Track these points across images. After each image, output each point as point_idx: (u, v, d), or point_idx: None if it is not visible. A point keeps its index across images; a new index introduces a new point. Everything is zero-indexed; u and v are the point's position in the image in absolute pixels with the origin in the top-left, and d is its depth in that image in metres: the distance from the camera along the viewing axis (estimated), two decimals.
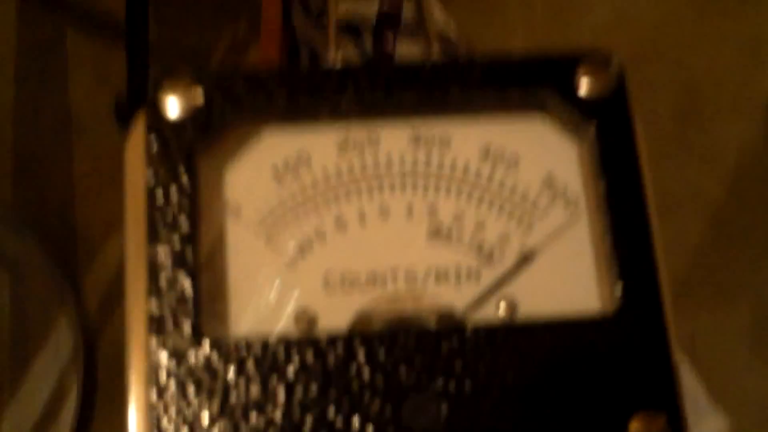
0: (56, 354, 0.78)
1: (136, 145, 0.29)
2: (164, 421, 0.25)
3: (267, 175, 0.30)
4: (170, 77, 0.29)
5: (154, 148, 0.28)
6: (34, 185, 0.80)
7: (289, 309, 0.28)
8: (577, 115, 0.29)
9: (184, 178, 0.28)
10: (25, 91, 0.82)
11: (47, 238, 0.77)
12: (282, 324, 0.28)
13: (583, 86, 0.29)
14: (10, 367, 0.76)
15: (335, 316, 0.28)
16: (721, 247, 0.85)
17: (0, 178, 0.79)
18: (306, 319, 0.28)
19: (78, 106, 0.82)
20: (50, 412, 0.76)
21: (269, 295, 0.28)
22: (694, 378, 0.76)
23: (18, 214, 0.77)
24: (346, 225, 0.29)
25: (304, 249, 0.29)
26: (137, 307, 0.27)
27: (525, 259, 0.29)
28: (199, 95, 0.29)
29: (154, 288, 0.27)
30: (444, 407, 0.26)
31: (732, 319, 0.83)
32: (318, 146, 0.30)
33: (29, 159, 0.81)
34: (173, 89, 0.29)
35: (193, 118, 0.29)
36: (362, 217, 0.29)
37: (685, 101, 0.89)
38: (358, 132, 0.30)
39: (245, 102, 0.29)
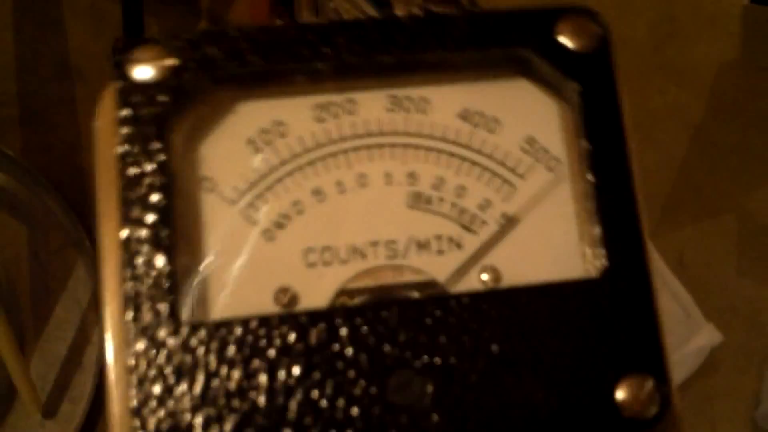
0: (76, 302, 0.79)
1: (106, 118, 0.28)
2: (145, 411, 0.25)
3: (242, 145, 0.29)
4: (138, 48, 0.28)
5: (125, 120, 0.27)
6: (40, 133, 0.80)
7: (269, 287, 0.28)
8: (559, 74, 0.28)
9: (158, 151, 0.27)
10: (24, 40, 0.81)
11: (57, 185, 0.78)
12: (262, 303, 0.27)
13: (565, 43, 0.28)
14: (31, 318, 0.77)
15: (316, 293, 0.28)
16: (704, 162, 0.86)
17: (7, 127, 0.79)
18: (287, 297, 0.27)
19: (77, 54, 0.81)
20: (74, 360, 0.77)
21: (248, 273, 0.28)
22: (686, 292, 0.77)
23: (27, 162, 0.77)
24: (324, 196, 0.28)
25: (282, 224, 0.28)
26: (112, 290, 0.27)
27: (507, 225, 0.28)
28: (170, 64, 0.28)
29: (128, 270, 0.26)
30: (430, 380, 0.26)
31: (718, 232, 0.84)
32: (294, 113, 0.29)
33: (33, 107, 0.80)
34: (143, 58, 0.28)
35: (165, 86, 0.28)
36: (341, 188, 0.28)
37: (662, 23, 0.89)
38: (334, 96, 0.29)
39: (217, 67, 0.28)
